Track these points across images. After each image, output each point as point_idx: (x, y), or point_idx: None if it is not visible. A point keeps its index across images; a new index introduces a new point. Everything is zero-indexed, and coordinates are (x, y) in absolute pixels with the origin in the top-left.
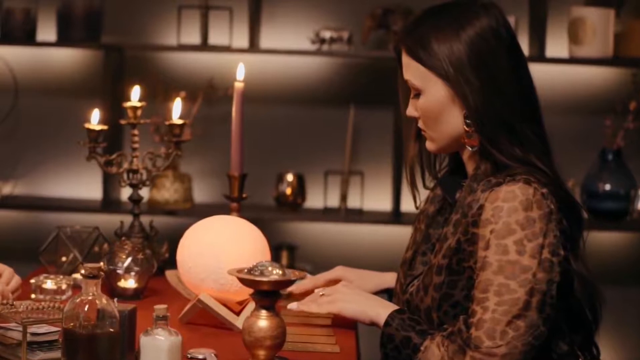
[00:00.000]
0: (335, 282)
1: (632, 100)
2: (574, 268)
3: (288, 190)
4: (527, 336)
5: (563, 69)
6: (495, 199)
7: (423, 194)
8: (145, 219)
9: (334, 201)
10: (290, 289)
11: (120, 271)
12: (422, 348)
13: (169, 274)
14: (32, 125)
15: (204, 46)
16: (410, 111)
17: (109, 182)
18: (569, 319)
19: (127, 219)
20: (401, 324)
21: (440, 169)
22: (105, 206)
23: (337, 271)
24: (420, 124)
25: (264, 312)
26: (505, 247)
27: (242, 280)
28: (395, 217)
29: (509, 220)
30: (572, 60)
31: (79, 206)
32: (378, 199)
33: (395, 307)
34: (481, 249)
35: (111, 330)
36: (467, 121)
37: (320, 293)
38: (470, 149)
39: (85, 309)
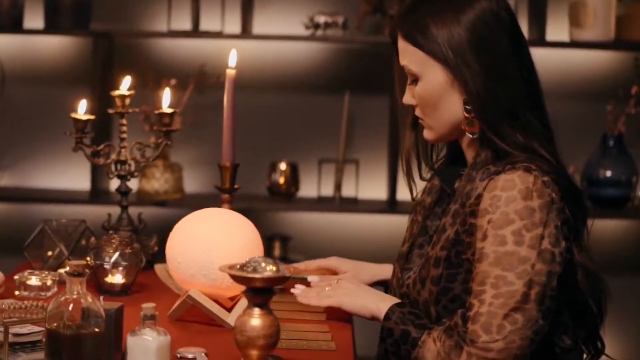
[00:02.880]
0: (328, 270)
1: (633, 85)
2: (577, 259)
3: (281, 180)
4: (525, 330)
5: (563, 53)
6: (493, 188)
7: (419, 185)
8: (134, 210)
9: (328, 190)
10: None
11: (107, 266)
12: (420, 343)
13: (158, 268)
14: (19, 114)
15: (195, 32)
16: (407, 99)
17: (98, 173)
18: (572, 313)
19: (116, 210)
20: (401, 318)
21: (437, 160)
22: (93, 197)
23: (332, 260)
24: (418, 112)
25: (257, 310)
26: (503, 238)
27: (234, 277)
28: (391, 206)
29: (507, 209)
30: (573, 44)
31: (66, 197)
32: (373, 188)
33: (396, 301)
34: (479, 240)
35: (96, 330)
36: (467, 107)
37: (323, 284)
38: (471, 136)
39: (70, 308)
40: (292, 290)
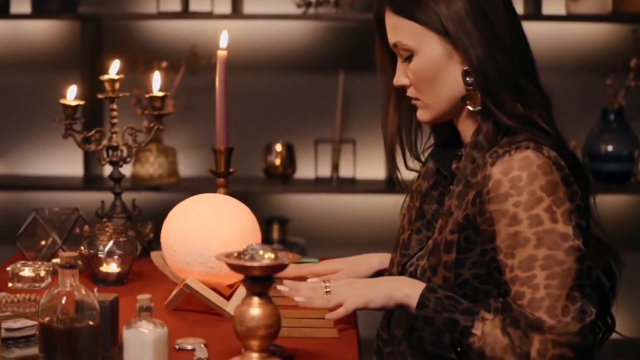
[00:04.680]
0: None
1: (632, 58)
2: (589, 232)
3: (277, 161)
4: (589, 307)
5: (560, 26)
6: (509, 169)
7: (407, 172)
8: (128, 196)
9: (325, 171)
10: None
11: (101, 255)
12: (475, 332)
13: (154, 255)
14: (8, 101)
15: (185, 13)
16: (399, 79)
17: (90, 158)
18: None
19: (110, 197)
20: (440, 304)
21: (423, 150)
22: (87, 183)
23: (321, 265)
24: (411, 92)
25: (256, 300)
26: (538, 217)
27: (231, 266)
28: (390, 185)
29: (533, 188)
30: (570, 18)
31: (59, 184)
32: (371, 167)
33: (420, 284)
34: (506, 225)
35: (91, 323)
36: (468, 79)
37: (326, 289)
38: (472, 109)
39: (63, 301)
40: (279, 287)
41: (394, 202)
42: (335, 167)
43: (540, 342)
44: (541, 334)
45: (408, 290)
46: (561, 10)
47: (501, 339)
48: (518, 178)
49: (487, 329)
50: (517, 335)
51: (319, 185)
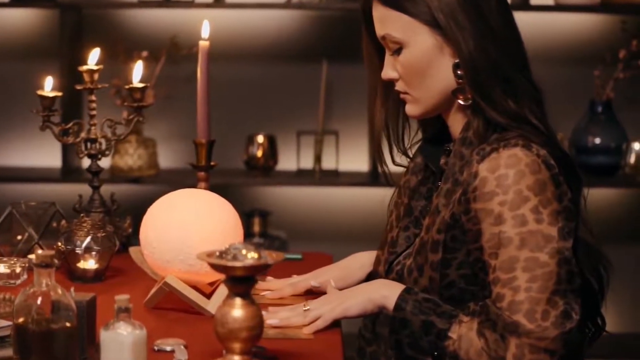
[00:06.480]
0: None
1: (621, 49)
2: (578, 234)
3: (259, 153)
4: (569, 312)
5: (548, 17)
6: (496, 167)
7: (390, 168)
8: (107, 188)
9: (307, 163)
10: (270, 294)
11: (79, 251)
12: (451, 335)
13: (132, 250)
14: None
15: (166, 2)
16: (387, 72)
17: (69, 150)
18: None
19: (88, 190)
20: (417, 307)
21: (410, 145)
22: (65, 175)
23: (310, 277)
24: (400, 86)
25: (238, 301)
26: (523, 217)
27: (213, 266)
28: (373, 178)
29: (520, 187)
30: (558, 8)
31: (37, 176)
32: (354, 160)
33: (399, 286)
34: (491, 224)
35: (67, 324)
36: (459, 72)
37: (305, 308)
38: (462, 102)
39: (38, 301)
40: (269, 321)
41: (377, 195)
42: (318, 159)
43: (517, 346)
44: (518, 338)
45: (386, 292)
46: (549, 1)
47: (476, 342)
48: (504, 176)
49: (463, 332)
50: (493, 339)
51: (301, 177)
